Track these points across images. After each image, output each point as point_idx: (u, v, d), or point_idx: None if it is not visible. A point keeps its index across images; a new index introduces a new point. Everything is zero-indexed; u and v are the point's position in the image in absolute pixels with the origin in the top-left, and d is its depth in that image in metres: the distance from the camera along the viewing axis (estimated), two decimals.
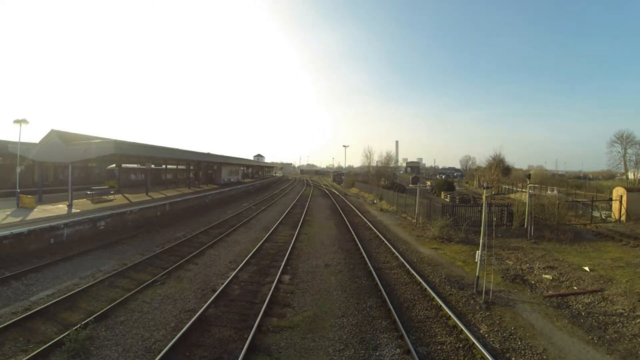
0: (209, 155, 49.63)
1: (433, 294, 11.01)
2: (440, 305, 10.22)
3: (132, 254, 15.53)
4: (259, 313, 9.36)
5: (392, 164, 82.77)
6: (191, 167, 48.91)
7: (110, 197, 26.18)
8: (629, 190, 26.84)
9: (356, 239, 19.17)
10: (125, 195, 28.70)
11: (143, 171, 38.98)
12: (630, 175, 55.79)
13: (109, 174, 39.53)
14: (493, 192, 41.74)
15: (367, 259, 15.02)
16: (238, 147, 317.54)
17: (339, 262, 15.17)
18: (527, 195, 22.38)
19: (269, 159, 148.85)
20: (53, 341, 7.65)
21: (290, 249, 16.64)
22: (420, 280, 12.42)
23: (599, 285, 12.31)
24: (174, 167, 49.54)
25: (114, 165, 36.18)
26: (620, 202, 25.80)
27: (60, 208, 20.68)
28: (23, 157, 23.17)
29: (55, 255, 14.36)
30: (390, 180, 60.85)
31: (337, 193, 55.40)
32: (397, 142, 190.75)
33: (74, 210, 19.91)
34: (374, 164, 73.30)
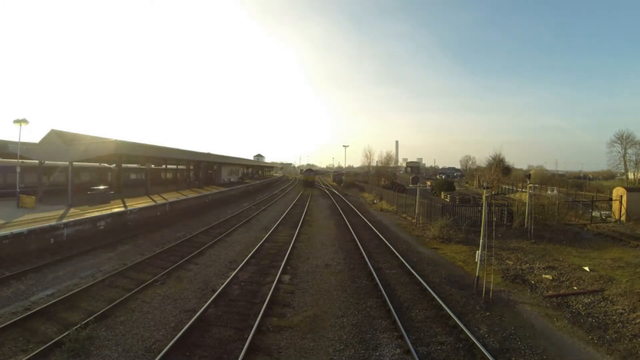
0: (209, 155, 49.71)
1: (433, 294, 11.00)
2: (441, 305, 10.21)
3: (132, 254, 15.52)
4: (259, 313, 9.35)
5: (392, 164, 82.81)
6: (191, 167, 48.93)
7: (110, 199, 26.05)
8: (629, 190, 26.84)
9: (356, 239, 19.16)
10: (125, 198, 28.69)
11: (143, 171, 38.68)
12: (630, 175, 55.87)
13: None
14: (493, 192, 41.71)
15: (367, 259, 15.01)
16: (238, 147, 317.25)
17: (339, 262, 15.16)
18: (527, 195, 22.37)
19: (269, 159, 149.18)
20: (53, 341, 7.64)
21: (290, 249, 16.63)
22: (420, 280, 12.41)
23: (599, 285, 12.30)
24: (174, 167, 49.56)
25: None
26: (620, 202, 25.79)
27: (60, 208, 20.66)
28: (23, 157, 23.20)
29: (56, 255, 14.35)
30: (390, 180, 60.87)
31: (337, 193, 55.37)
32: (397, 142, 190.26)
33: (70, 214, 19.89)
34: (374, 164, 73.43)
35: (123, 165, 36.79)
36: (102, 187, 26.71)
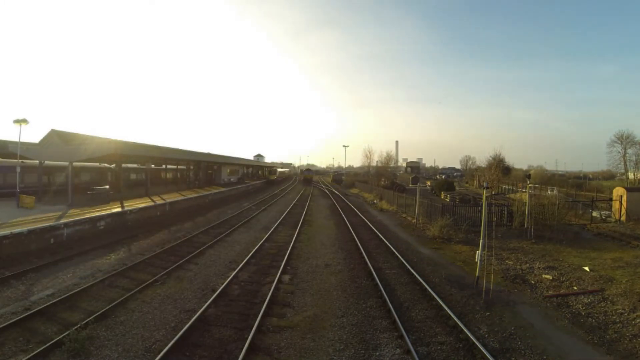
0: (209, 155, 49.73)
1: (433, 294, 11.00)
2: (440, 305, 10.21)
3: (132, 253, 15.53)
4: (259, 313, 9.35)
5: (392, 164, 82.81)
6: (191, 167, 48.94)
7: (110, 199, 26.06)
8: (629, 190, 26.81)
9: (356, 239, 19.16)
10: (125, 198, 28.69)
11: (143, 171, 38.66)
12: (630, 175, 55.84)
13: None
14: (493, 192, 41.70)
15: (367, 259, 15.01)
16: (238, 147, 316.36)
17: (339, 262, 15.17)
18: (527, 195, 22.37)
19: (269, 159, 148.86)
20: (53, 341, 7.64)
21: (290, 248, 16.63)
22: (420, 280, 12.41)
23: (599, 285, 12.29)
24: (174, 167, 49.58)
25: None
26: (620, 202, 25.77)
27: (60, 208, 20.67)
28: (23, 157, 23.21)
29: (55, 255, 14.36)
30: (390, 180, 60.84)
31: (337, 193, 55.37)
32: (397, 142, 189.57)
33: (70, 214, 19.90)
34: (374, 164, 73.48)
35: (123, 165, 36.83)
36: (102, 187, 26.71)
